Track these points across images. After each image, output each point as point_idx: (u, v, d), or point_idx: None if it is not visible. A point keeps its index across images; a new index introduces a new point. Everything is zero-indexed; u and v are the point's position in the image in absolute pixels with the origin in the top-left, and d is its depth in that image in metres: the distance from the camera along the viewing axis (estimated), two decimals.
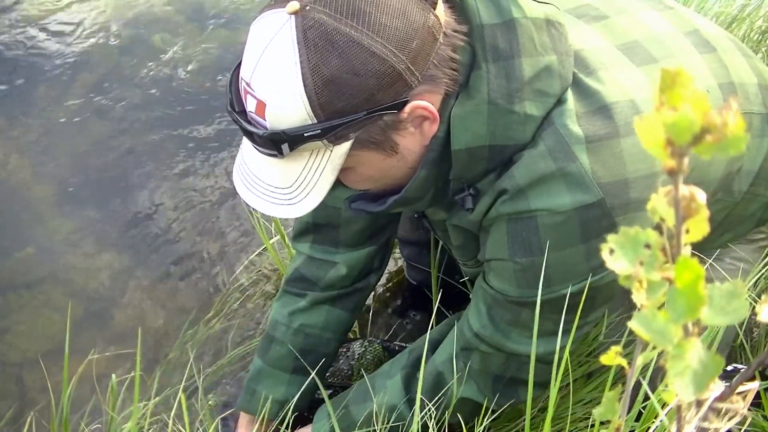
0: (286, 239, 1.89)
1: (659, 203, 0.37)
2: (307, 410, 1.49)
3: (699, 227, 0.40)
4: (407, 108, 0.96)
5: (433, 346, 1.31)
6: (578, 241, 1.02)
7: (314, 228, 1.44)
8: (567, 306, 1.04)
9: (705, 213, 0.39)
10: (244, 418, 1.50)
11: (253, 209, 1.05)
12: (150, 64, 2.74)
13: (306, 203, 1.01)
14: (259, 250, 1.97)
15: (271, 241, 1.88)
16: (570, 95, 1.02)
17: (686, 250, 0.42)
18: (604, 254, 0.41)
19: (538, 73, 1.00)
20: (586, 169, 1.00)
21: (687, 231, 0.42)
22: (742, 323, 1.42)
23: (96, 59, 2.75)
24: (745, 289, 0.42)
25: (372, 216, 1.38)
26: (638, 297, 0.44)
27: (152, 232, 2.17)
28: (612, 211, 1.01)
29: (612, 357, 0.57)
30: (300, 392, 1.40)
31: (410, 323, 1.83)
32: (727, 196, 1.22)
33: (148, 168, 2.36)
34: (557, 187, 1.01)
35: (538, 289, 1.04)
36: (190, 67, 2.73)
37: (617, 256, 0.40)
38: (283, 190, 1.01)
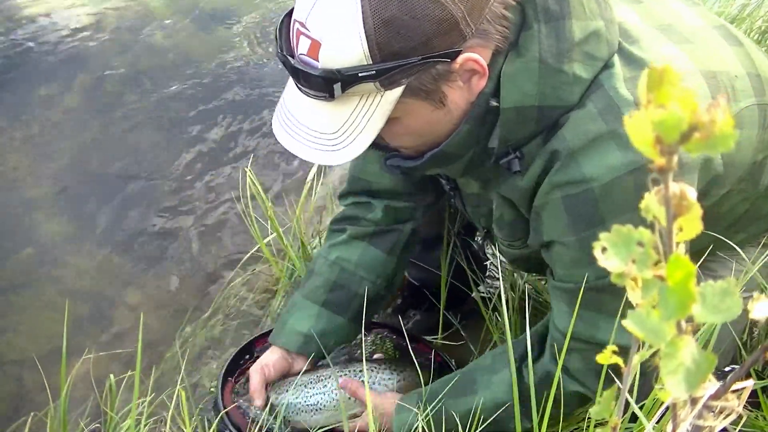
0: (284, 240, 1.89)
1: (651, 201, 0.37)
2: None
3: (691, 225, 0.40)
4: (459, 59, 0.98)
5: (540, 339, 1.28)
6: (638, 204, 1.01)
7: (353, 193, 1.51)
8: None
9: (697, 211, 0.39)
10: (273, 351, 1.50)
11: (299, 157, 1.05)
12: (150, 64, 2.75)
13: (351, 149, 1.01)
14: (254, 250, 1.97)
15: (265, 241, 1.89)
16: (617, 60, 1.04)
17: (680, 248, 0.42)
18: (597, 252, 0.41)
19: (587, 37, 1.02)
20: None
21: (681, 229, 0.42)
22: (746, 324, 1.42)
23: (96, 59, 2.75)
24: (739, 288, 0.42)
25: (404, 185, 1.43)
26: (633, 296, 0.44)
27: (150, 232, 2.17)
28: None
29: (608, 356, 0.57)
30: (332, 331, 1.42)
31: (410, 322, 1.83)
32: (751, 188, 1.22)
33: (147, 169, 2.36)
34: (608, 148, 1.01)
35: None
36: (190, 67, 2.73)
37: (609, 255, 0.40)
38: (329, 135, 1.01)
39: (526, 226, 1.18)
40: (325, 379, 1.47)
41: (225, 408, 1.42)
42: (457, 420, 1.26)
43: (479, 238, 1.77)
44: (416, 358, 1.47)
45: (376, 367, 1.50)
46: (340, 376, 1.46)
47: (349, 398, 1.44)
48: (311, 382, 1.46)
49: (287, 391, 1.46)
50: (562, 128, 1.04)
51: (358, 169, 1.48)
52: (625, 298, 1.09)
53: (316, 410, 1.44)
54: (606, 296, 1.07)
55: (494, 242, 1.39)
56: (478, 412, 1.26)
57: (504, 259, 1.40)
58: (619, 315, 1.09)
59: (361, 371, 1.47)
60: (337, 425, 1.44)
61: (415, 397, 1.35)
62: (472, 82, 1.02)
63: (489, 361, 1.34)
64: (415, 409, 1.31)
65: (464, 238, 1.69)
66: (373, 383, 1.47)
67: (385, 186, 1.46)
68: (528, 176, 1.10)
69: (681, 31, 1.16)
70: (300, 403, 1.45)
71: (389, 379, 1.48)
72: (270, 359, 1.48)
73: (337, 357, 1.58)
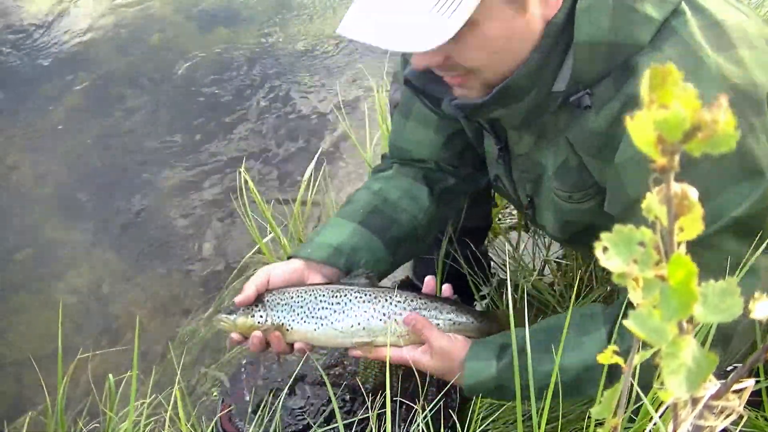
0: (282, 240, 1.89)
1: (652, 201, 0.37)
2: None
3: (693, 225, 0.40)
4: None
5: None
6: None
7: (394, 158, 1.51)
8: (739, 228, 1.04)
9: (698, 211, 0.39)
10: (290, 261, 1.35)
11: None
12: (149, 64, 2.74)
13: (440, 32, 0.99)
14: (253, 251, 1.97)
15: (264, 240, 1.89)
16: (687, 8, 1.07)
17: (681, 248, 0.42)
18: (598, 252, 0.41)
19: None
20: (714, 71, 1.03)
21: (682, 229, 0.41)
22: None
23: (96, 59, 2.75)
24: (738, 287, 0.42)
25: (443, 156, 1.43)
26: (634, 295, 0.44)
27: (150, 232, 2.17)
28: (744, 111, 1.02)
29: (608, 356, 0.57)
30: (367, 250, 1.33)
31: None
32: None
33: (147, 169, 2.36)
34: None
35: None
36: (189, 68, 2.73)
37: (611, 255, 0.40)
38: (420, 13, 0.99)
39: (590, 176, 1.18)
40: (341, 295, 1.27)
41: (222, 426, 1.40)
42: (534, 377, 1.14)
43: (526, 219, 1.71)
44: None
45: (415, 298, 1.29)
46: (363, 301, 1.27)
47: (359, 324, 1.26)
48: (324, 296, 1.27)
49: (291, 297, 1.26)
50: (639, 71, 1.05)
51: (397, 136, 1.47)
52: (730, 252, 1.05)
53: (321, 325, 1.26)
54: (708, 252, 1.04)
55: (536, 216, 1.36)
56: (565, 372, 1.15)
57: (550, 230, 1.35)
58: (726, 272, 1.05)
59: (390, 300, 1.27)
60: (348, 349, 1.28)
61: (493, 348, 1.24)
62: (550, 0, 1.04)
63: (578, 320, 1.21)
64: (494, 362, 1.21)
65: (462, 238, 1.68)
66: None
67: (425, 155, 1.44)
68: (601, 118, 1.10)
69: (738, 6, 1.19)
70: (304, 312, 1.26)
71: (435, 317, 1.29)
72: (282, 267, 1.33)
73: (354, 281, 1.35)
